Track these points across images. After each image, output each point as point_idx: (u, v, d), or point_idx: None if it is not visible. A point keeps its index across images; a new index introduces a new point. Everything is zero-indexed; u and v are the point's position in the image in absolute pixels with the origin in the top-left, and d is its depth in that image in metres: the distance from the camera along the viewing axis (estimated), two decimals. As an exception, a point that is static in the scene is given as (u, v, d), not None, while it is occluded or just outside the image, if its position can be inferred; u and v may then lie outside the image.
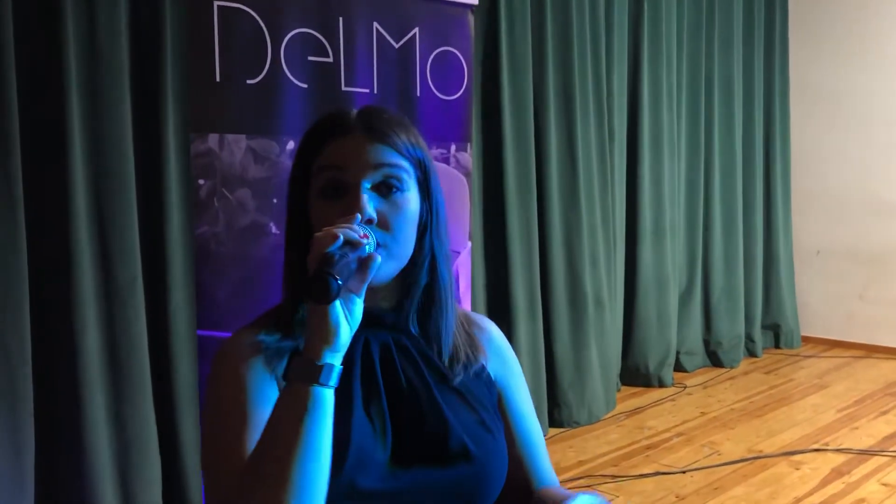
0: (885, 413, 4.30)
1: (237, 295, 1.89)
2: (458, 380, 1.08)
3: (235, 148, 1.87)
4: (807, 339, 5.72)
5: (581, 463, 3.65)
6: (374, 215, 0.99)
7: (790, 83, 5.64)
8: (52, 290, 2.51)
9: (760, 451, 3.76)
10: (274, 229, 1.92)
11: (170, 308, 2.67)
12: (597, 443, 3.90)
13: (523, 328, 3.86)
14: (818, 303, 5.75)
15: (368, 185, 1.01)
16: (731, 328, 5.24)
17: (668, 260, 4.77)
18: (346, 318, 0.91)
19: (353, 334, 0.92)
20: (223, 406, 0.98)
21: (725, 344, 5.20)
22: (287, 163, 1.92)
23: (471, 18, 2.32)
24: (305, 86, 2.02)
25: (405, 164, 1.04)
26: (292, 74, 1.98)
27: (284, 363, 1.01)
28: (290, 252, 1.06)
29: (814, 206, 5.70)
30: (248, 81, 1.92)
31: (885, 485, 3.39)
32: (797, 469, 3.58)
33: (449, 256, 1.09)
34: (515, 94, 3.80)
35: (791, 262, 5.70)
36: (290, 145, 1.96)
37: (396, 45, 2.16)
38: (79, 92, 2.46)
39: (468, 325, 1.16)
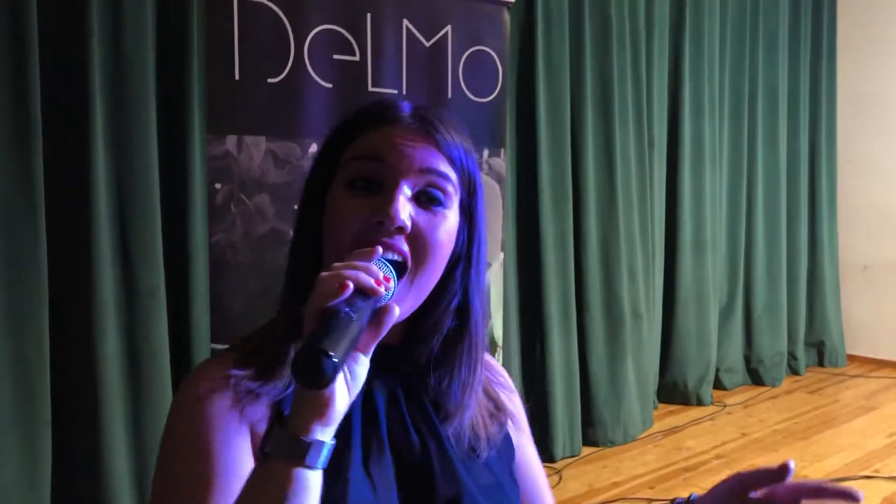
0: (937, 438, 4.08)
1: (254, 307, 1.78)
2: (485, 455, 0.90)
3: (255, 150, 1.76)
4: (852, 358, 5.50)
5: (616, 485, 3.50)
6: (409, 224, 0.81)
7: (837, 91, 5.43)
8: (72, 297, 2.43)
9: (805, 477, 3.57)
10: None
11: (191, 317, 2.58)
12: (632, 463, 3.74)
13: (557, 342, 3.72)
14: (865, 320, 5.52)
15: (409, 190, 0.83)
16: (773, 345, 5.04)
17: (708, 274, 4.60)
18: (346, 384, 0.72)
19: (351, 402, 0.74)
20: (185, 444, 0.80)
21: (767, 361, 5.00)
22: (309, 167, 1.82)
23: (506, 17, 2.20)
24: (330, 85, 1.91)
25: (454, 176, 0.85)
26: (316, 73, 1.87)
27: (259, 413, 0.81)
28: (296, 257, 0.87)
29: (861, 221, 5.48)
30: (270, 80, 1.82)
31: (940, 516, 3.19)
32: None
33: (486, 304, 0.92)
34: (551, 98, 3.67)
35: (836, 278, 5.49)
36: (313, 148, 1.84)
37: (427, 44, 2.04)
38: (102, 93, 2.38)
39: (489, 383, 0.97)
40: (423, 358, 0.89)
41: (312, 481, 0.71)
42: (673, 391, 4.57)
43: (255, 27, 1.81)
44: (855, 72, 5.40)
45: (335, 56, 1.91)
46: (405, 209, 0.81)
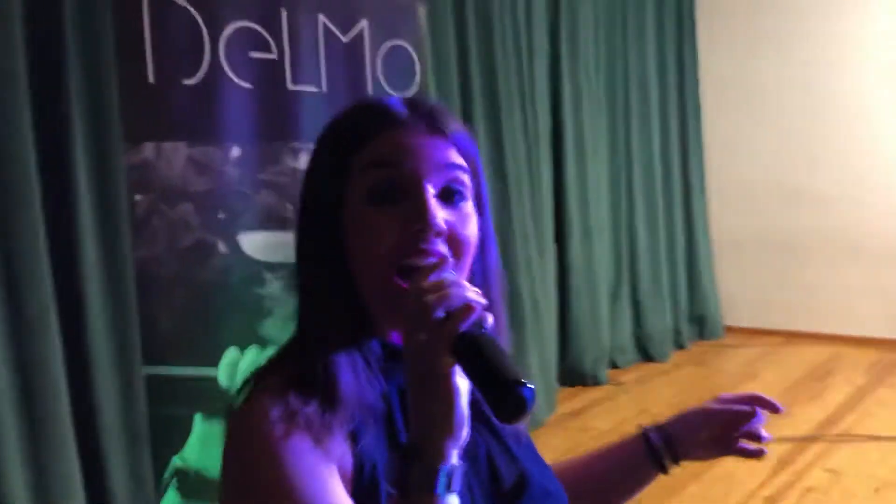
0: (815, 398, 4.37)
1: (184, 324, 1.67)
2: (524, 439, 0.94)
3: (174, 158, 1.65)
4: (729, 329, 5.81)
5: (531, 472, 3.54)
6: (445, 227, 0.79)
7: (702, 76, 5.72)
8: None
9: (705, 446, 3.74)
10: (223, 248, 1.71)
11: (89, 335, 2.38)
12: (543, 449, 3.76)
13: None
14: (737, 292, 5.84)
15: (433, 189, 0.80)
16: (659, 322, 5.26)
17: (596, 259, 4.74)
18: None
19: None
20: (285, 499, 0.72)
21: (655, 338, 5.21)
22: (233, 172, 1.72)
23: (421, 11, 2.17)
24: (249, 85, 1.81)
25: (466, 167, 0.84)
26: (234, 73, 1.78)
27: (339, 448, 0.76)
28: (321, 280, 0.81)
29: (729, 197, 5.80)
30: (186, 82, 1.71)
31: (829, 471, 3.42)
32: (743, 462, 3.55)
33: (505, 286, 0.90)
34: (442, 96, 3.66)
35: (710, 254, 5.78)
36: (235, 152, 1.75)
37: (344, 39, 1.98)
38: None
39: None
40: None
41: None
42: (571, 374, 4.69)
43: (166, 25, 1.70)
44: (717, 57, 5.69)
45: (252, 54, 1.82)
46: (439, 212, 0.78)
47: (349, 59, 2.00)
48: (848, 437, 3.76)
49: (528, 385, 0.64)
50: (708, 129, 5.75)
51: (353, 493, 0.74)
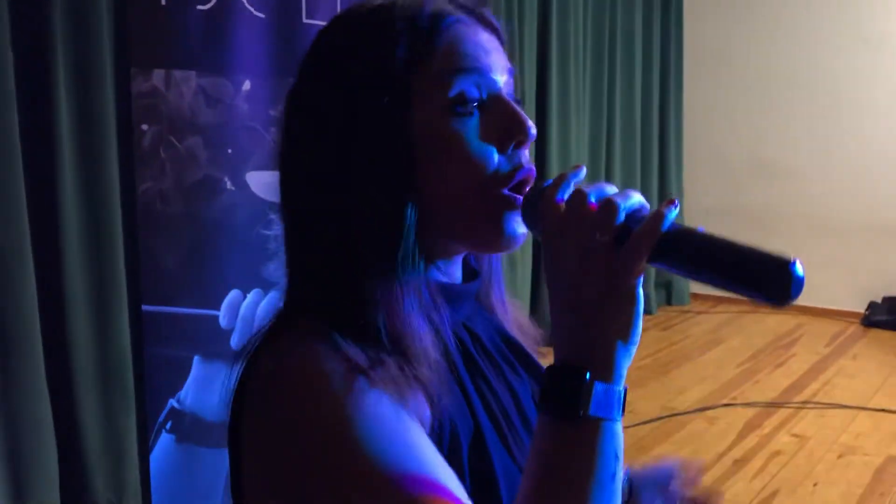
0: (780, 366, 4.46)
1: (187, 263, 1.60)
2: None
3: (185, 88, 1.57)
4: (695, 297, 5.89)
5: (504, 428, 3.56)
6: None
7: (685, 44, 5.70)
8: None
9: (674, 409, 3.80)
10: (229, 185, 1.64)
11: (64, 273, 2.29)
12: (516, 407, 3.82)
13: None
14: (705, 260, 5.90)
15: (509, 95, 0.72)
16: (629, 287, 5.29)
17: (573, 220, 4.73)
18: None
19: None
20: (381, 442, 0.59)
21: (624, 302, 5.24)
22: (243, 107, 1.64)
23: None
24: (263, 15, 1.73)
25: None
26: (248, 1, 1.69)
27: (420, 399, 0.65)
28: (385, 210, 0.68)
29: (704, 167, 5.83)
30: (199, 7, 1.61)
31: (795, 436, 3.50)
32: (712, 425, 3.64)
33: None
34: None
35: (682, 223, 5.81)
36: (246, 86, 1.67)
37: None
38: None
39: None
40: (486, 280, 0.84)
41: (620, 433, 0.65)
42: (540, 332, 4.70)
43: (181, -54, 1.60)
44: (700, 23, 5.67)
45: (269, -18, 1.73)
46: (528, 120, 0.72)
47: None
48: (812, 405, 3.85)
49: (796, 260, 0.61)
50: (688, 98, 5.75)
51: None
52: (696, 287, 5.89)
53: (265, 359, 0.66)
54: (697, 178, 5.84)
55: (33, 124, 2.25)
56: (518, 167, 0.71)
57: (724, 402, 3.90)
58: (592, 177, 4.95)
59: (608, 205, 0.64)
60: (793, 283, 0.60)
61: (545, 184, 0.69)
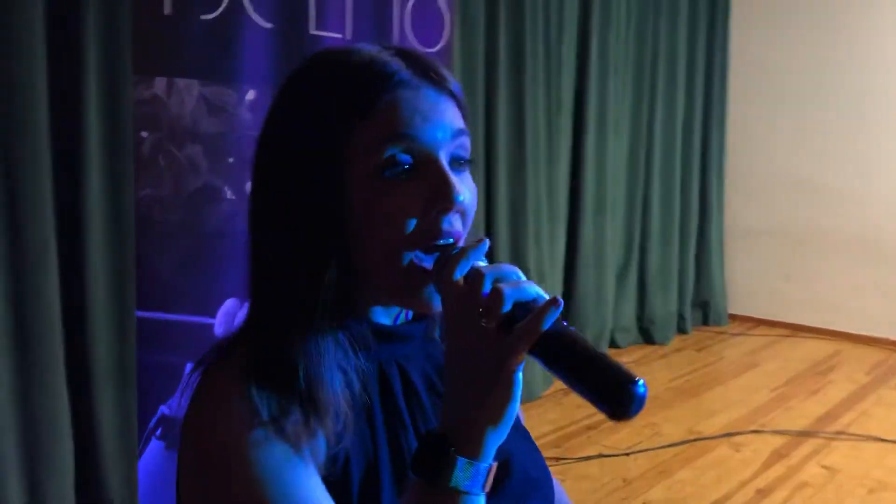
0: (815, 393, 4.33)
1: (184, 271, 1.61)
2: None
3: (186, 96, 1.58)
4: (733, 318, 5.76)
5: (523, 445, 3.51)
6: (466, 203, 0.74)
7: (731, 60, 5.59)
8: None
9: (700, 433, 3.72)
10: (229, 194, 1.64)
11: (87, 270, 2.33)
12: (538, 422, 3.77)
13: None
14: (745, 282, 5.78)
15: (447, 161, 0.74)
16: (664, 305, 5.20)
17: (607, 237, 4.67)
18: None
19: None
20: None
21: (658, 321, 5.16)
22: (246, 116, 1.65)
23: (455, -37, 2.08)
24: (270, 26, 1.73)
25: (467, 129, 0.78)
26: (255, 11, 1.69)
27: (320, 446, 0.70)
28: (312, 259, 0.72)
29: (745, 185, 5.71)
30: (203, 17, 1.63)
31: (825, 467, 3.39)
32: (738, 451, 3.54)
33: None
34: (465, 56, 3.57)
35: (722, 241, 5.71)
36: (250, 95, 1.67)
37: (374, -14, 1.90)
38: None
39: None
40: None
41: None
42: (571, 350, 4.63)
43: (187, -45, 1.61)
44: (746, 39, 5.56)
45: (276, -7, 1.73)
46: (459, 186, 0.73)
47: (377, 8, 1.91)
48: (846, 436, 3.73)
49: (641, 381, 0.64)
50: (731, 115, 5.63)
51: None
52: (735, 307, 5.76)
53: (192, 403, 0.73)
54: (739, 197, 5.72)
55: (62, 128, 2.30)
56: (435, 233, 0.72)
57: (753, 428, 3.79)
58: (629, 196, 4.87)
59: (495, 294, 0.67)
60: (633, 402, 0.63)
61: (452, 251, 0.71)
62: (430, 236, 0.72)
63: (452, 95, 0.76)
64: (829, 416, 3.98)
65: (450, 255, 0.70)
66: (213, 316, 1.68)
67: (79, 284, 2.35)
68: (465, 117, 0.78)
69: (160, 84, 1.55)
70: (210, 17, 1.63)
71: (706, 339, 5.36)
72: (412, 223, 0.71)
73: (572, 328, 0.67)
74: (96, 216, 2.25)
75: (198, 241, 1.65)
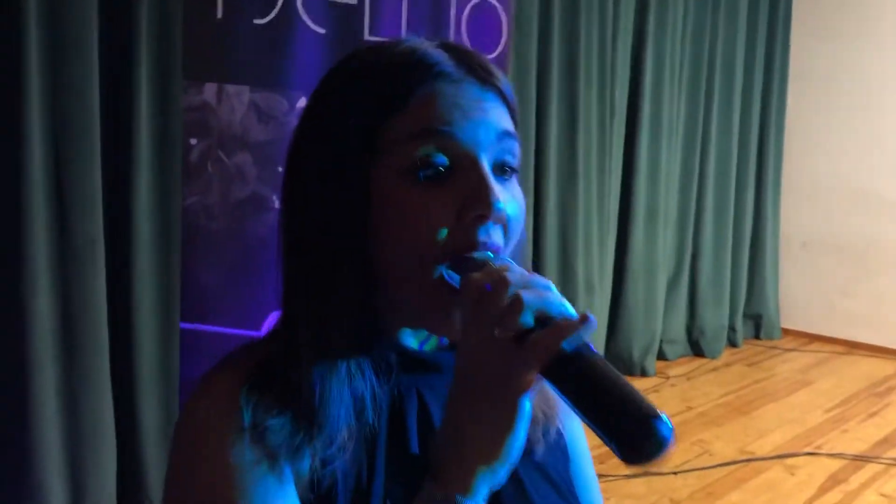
0: (873, 415, 4.16)
1: (229, 281, 1.57)
2: (540, 451, 0.75)
3: (236, 102, 1.54)
4: (786, 332, 5.59)
5: (568, 459, 3.43)
6: (506, 213, 0.65)
7: (790, 67, 5.42)
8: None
9: (752, 453, 3.59)
10: (277, 204, 1.60)
11: (134, 274, 2.32)
12: (583, 436, 3.68)
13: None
14: (800, 295, 5.61)
15: (487, 163, 0.66)
16: (715, 317, 5.07)
17: (659, 245, 4.56)
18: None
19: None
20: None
21: (708, 333, 5.02)
22: (296, 124, 1.60)
23: (514, -34, 2.01)
24: (323, 31, 1.68)
25: (516, 134, 0.69)
26: (309, 16, 1.65)
27: (306, 464, 0.65)
28: (327, 270, 0.66)
29: (802, 196, 5.53)
30: (256, 22, 1.59)
31: (883, 496, 3.24)
32: (792, 475, 3.41)
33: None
34: (518, 59, 3.50)
35: (776, 253, 5.55)
36: (301, 102, 1.63)
37: (431, -10, 1.84)
38: (39, 27, 2.08)
39: None
40: None
41: None
42: (617, 361, 4.53)
43: (241, -41, 1.57)
44: (806, 46, 5.39)
45: (330, -2, 1.69)
46: (501, 193, 0.65)
47: (433, 12, 1.85)
48: (907, 463, 3.57)
49: (667, 420, 0.52)
50: (788, 124, 5.46)
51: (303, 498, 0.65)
52: (789, 322, 5.59)
53: (191, 396, 0.69)
54: (795, 207, 5.54)
55: (113, 132, 2.29)
56: (470, 244, 0.64)
57: (808, 450, 3.65)
58: (682, 204, 4.75)
59: (515, 301, 0.57)
60: (651, 441, 0.52)
61: (477, 256, 0.63)
62: (463, 247, 0.64)
63: (500, 94, 0.68)
64: (889, 440, 3.82)
65: (479, 255, 0.63)
66: (258, 329, 1.65)
67: (125, 291, 2.34)
68: (514, 120, 0.70)
69: (210, 90, 1.52)
70: (263, 21, 1.59)
71: (758, 353, 5.21)
72: (444, 232, 0.63)
73: (600, 355, 0.57)
74: (144, 222, 2.24)
75: (243, 250, 1.61)
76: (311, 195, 0.67)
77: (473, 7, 1.91)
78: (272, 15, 1.60)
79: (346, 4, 1.69)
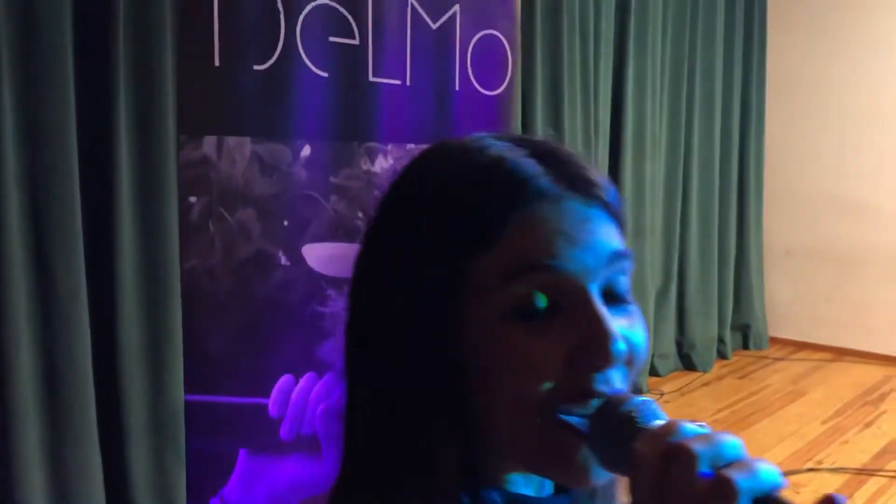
0: (869, 425, 4.14)
1: (235, 346, 1.47)
2: None
3: (237, 155, 1.43)
4: (774, 341, 5.57)
5: (570, 487, 3.35)
6: (627, 349, 0.56)
7: (768, 77, 5.42)
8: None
9: (755, 471, 3.53)
10: (284, 260, 1.50)
11: (118, 325, 2.21)
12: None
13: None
14: (785, 303, 5.60)
15: (599, 295, 0.56)
16: (704, 330, 5.03)
17: (646, 259, 4.51)
18: None
19: None
20: None
21: (699, 346, 4.98)
22: (302, 174, 1.50)
23: (518, -5, 1.93)
24: (325, 74, 1.59)
25: (627, 250, 0.60)
26: (310, 59, 1.55)
27: None
28: (423, 416, 0.57)
29: (784, 204, 5.53)
30: (256, 67, 1.48)
31: (890, 511, 3.20)
32: (797, 493, 3.35)
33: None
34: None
35: (761, 262, 5.53)
36: (306, 151, 1.53)
37: (434, 26, 1.74)
38: (10, 70, 1.96)
39: None
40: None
41: None
42: (610, 380, 4.47)
43: (237, 3, 1.47)
44: (783, 56, 5.40)
45: (331, 39, 1.58)
46: (619, 328, 0.55)
47: (437, 48, 1.75)
48: (909, 475, 3.54)
49: None
50: (768, 133, 5.46)
51: None
52: (775, 329, 5.58)
53: None
54: (778, 216, 5.54)
55: (94, 191, 2.16)
56: (585, 394, 0.54)
57: (809, 465, 3.61)
58: (667, 217, 4.71)
59: (726, 487, 0.46)
60: None
61: (638, 414, 0.52)
62: (576, 397, 0.55)
63: (607, 207, 0.59)
64: (888, 451, 3.79)
65: (641, 413, 0.52)
66: (266, 395, 1.54)
67: (110, 336, 2.23)
68: (624, 234, 0.60)
69: (209, 143, 1.41)
70: (263, 67, 1.49)
71: (748, 364, 5.18)
72: (556, 376, 0.54)
73: None
74: (130, 293, 2.10)
75: (249, 312, 1.51)
76: (385, 334, 0.58)
77: (477, 42, 1.82)
78: (273, 59, 1.50)
79: (349, 45, 1.60)
